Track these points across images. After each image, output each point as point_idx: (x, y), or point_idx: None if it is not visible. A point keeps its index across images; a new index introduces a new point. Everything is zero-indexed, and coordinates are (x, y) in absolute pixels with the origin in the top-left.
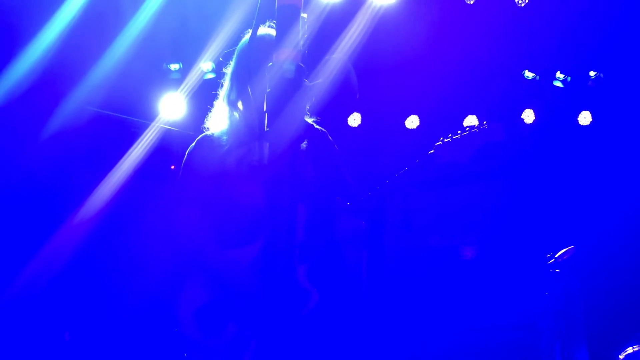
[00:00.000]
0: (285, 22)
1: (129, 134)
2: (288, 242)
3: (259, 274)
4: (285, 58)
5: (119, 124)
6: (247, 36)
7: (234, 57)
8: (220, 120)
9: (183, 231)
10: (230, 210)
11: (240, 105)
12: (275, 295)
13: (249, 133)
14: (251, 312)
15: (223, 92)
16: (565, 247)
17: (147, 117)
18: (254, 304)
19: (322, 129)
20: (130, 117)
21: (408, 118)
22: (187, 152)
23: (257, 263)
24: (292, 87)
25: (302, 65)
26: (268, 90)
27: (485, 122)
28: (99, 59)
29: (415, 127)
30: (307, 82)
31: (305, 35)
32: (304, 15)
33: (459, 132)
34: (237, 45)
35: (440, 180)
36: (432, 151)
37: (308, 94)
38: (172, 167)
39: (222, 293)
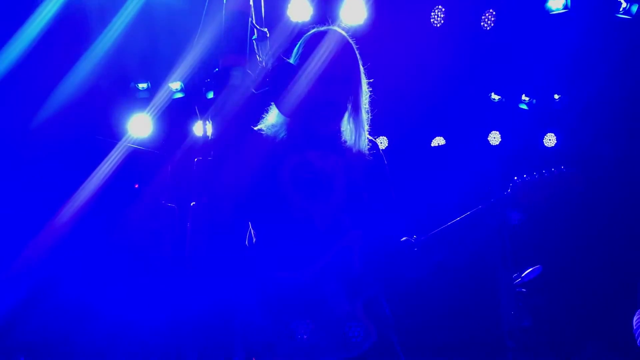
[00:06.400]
0: (233, 28)
1: (96, 152)
2: (345, 271)
3: (310, 305)
4: (231, 64)
5: (85, 142)
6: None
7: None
8: (276, 119)
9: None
10: (279, 223)
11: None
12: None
13: (305, 138)
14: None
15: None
16: (531, 268)
17: (114, 135)
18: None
19: (374, 140)
20: (96, 136)
21: (377, 139)
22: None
23: (310, 293)
24: (237, 94)
25: (249, 72)
26: (212, 96)
27: (563, 167)
28: (65, 76)
29: (383, 148)
30: (254, 90)
31: (269, 51)
32: (265, 30)
33: (534, 173)
34: (205, 64)
35: None
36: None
37: (256, 102)
38: (136, 185)
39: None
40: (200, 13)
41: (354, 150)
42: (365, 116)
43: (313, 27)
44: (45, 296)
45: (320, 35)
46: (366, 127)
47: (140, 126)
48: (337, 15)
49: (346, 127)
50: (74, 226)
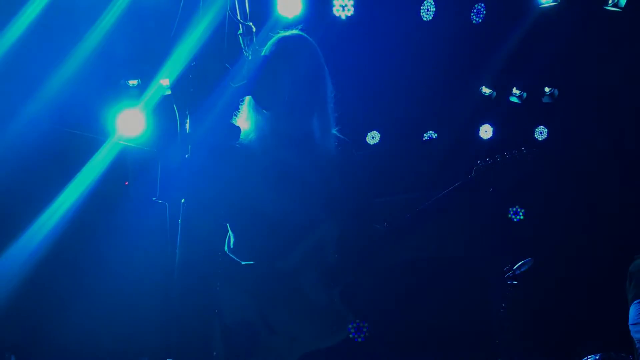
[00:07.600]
0: (211, 21)
1: (85, 150)
2: (321, 261)
3: (288, 295)
4: (209, 57)
5: (74, 140)
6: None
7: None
8: (245, 122)
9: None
10: (254, 222)
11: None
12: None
13: (276, 139)
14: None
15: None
16: (522, 260)
17: (104, 133)
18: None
19: (347, 140)
20: (86, 133)
21: (369, 133)
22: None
23: (287, 284)
24: (216, 88)
25: (227, 66)
26: (191, 90)
27: (523, 148)
28: (53, 72)
29: (376, 142)
30: (231, 84)
31: (256, 46)
32: (250, 24)
33: (497, 156)
34: (193, 59)
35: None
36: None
37: (234, 95)
38: (126, 183)
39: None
40: (192, 8)
41: (322, 148)
42: (332, 115)
43: (278, 32)
44: (35, 294)
45: (285, 40)
46: (333, 125)
47: (130, 123)
48: (327, 9)
49: (315, 126)
50: (64, 224)
